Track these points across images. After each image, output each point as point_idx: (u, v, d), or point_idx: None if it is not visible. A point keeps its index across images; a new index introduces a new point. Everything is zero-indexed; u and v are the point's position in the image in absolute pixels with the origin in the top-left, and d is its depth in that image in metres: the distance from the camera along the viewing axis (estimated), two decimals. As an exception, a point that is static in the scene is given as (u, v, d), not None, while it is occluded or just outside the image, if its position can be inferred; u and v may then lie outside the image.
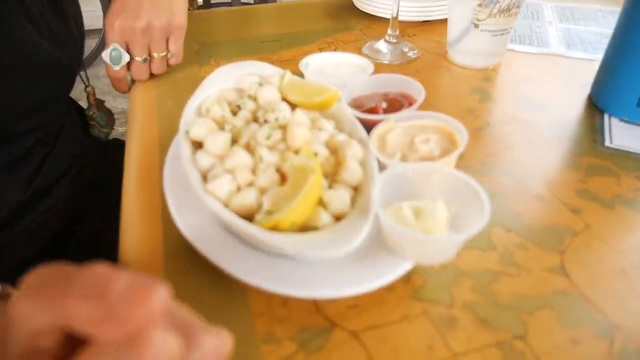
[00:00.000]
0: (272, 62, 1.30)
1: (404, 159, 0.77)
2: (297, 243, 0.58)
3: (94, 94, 1.30)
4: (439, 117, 0.83)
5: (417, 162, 0.76)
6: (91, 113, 1.27)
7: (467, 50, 1.25)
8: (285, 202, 0.64)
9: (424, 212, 0.65)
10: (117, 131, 3.23)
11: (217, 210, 0.65)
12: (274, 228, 0.62)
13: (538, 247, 0.76)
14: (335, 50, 1.41)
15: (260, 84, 0.92)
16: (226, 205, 0.68)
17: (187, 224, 0.69)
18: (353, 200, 0.69)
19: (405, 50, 1.35)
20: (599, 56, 1.23)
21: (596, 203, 0.84)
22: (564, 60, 1.34)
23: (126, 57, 1.01)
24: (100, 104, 1.31)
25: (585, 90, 1.20)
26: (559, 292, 0.67)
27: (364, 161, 0.76)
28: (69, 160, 0.93)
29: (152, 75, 1.15)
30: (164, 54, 1.08)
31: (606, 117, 1.08)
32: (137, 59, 0.96)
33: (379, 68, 1.30)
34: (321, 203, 0.67)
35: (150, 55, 0.97)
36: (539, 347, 0.59)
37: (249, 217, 0.70)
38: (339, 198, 0.67)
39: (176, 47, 0.96)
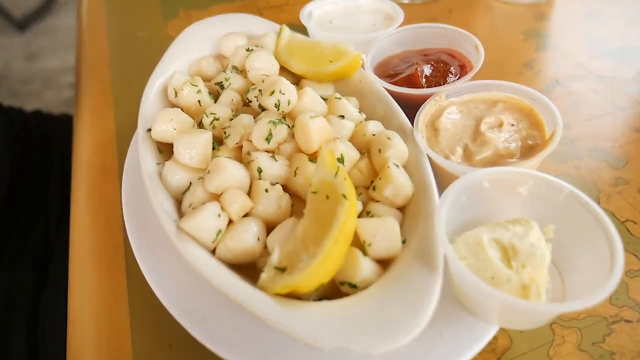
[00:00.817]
0: (259, 10, 1.05)
1: (467, 156, 0.56)
2: (334, 333, 0.38)
3: None
4: (511, 87, 0.61)
5: (488, 161, 0.55)
6: None
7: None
8: (306, 249, 0.44)
9: (516, 250, 0.45)
10: (57, 98, 2.88)
11: (202, 268, 0.44)
12: (291, 293, 0.43)
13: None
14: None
15: (249, 49, 0.69)
16: (214, 253, 0.48)
17: (163, 289, 0.49)
18: (401, 228, 0.49)
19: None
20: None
21: None
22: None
23: None
24: None
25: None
26: None
27: (411, 164, 0.55)
28: None
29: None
30: None
31: None
32: None
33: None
34: (356, 241, 0.47)
35: None
36: None
37: (248, 262, 0.51)
38: (384, 233, 0.46)
39: None
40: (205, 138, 0.54)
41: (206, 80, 0.69)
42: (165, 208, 0.50)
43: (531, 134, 0.57)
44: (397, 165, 0.52)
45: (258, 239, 0.49)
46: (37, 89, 2.88)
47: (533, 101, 0.59)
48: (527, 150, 0.56)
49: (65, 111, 1.30)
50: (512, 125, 0.58)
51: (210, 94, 0.66)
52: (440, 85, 0.66)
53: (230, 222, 0.50)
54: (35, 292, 0.84)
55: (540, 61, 0.91)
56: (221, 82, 0.66)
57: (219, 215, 0.49)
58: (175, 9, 1.06)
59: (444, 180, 0.57)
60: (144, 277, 0.50)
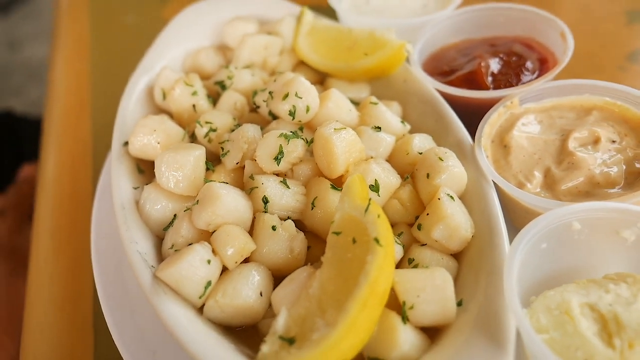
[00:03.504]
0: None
1: (549, 184, 0.51)
2: None
3: None
4: (611, 89, 0.55)
5: (579, 191, 0.50)
6: None
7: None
8: (323, 313, 0.39)
9: (621, 323, 0.40)
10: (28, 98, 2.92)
11: (183, 335, 0.40)
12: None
13: None
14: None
15: (259, 38, 0.66)
16: (202, 312, 0.45)
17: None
18: (456, 284, 0.45)
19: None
20: None
21: None
22: None
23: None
24: None
25: None
26: None
27: (471, 195, 0.50)
28: None
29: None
30: None
31: None
32: None
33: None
34: (393, 301, 0.42)
35: None
36: None
37: (247, 325, 0.47)
38: (432, 292, 0.41)
39: None
40: (195, 156, 0.51)
41: (205, 78, 0.67)
42: (139, 249, 0.48)
43: (638, 155, 0.51)
44: (452, 197, 0.48)
45: (260, 294, 0.45)
46: (19, 83, 2.97)
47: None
48: (635, 178, 0.50)
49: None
50: (613, 142, 0.53)
51: (208, 96, 0.63)
52: (513, 85, 0.61)
53: (224, 270, 0.47)
54: None
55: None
56: (222, 80, 0.63)
57: (209, 262, 0.45)
58: (175, -14, 1.05)
59: (516, 217, 0.52)
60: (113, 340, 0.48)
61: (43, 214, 0.69)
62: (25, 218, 0.91)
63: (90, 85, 0.86)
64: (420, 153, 0.53)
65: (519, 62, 0.64)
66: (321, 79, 0.67)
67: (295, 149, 0.51)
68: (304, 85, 0.55)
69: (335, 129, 0.50)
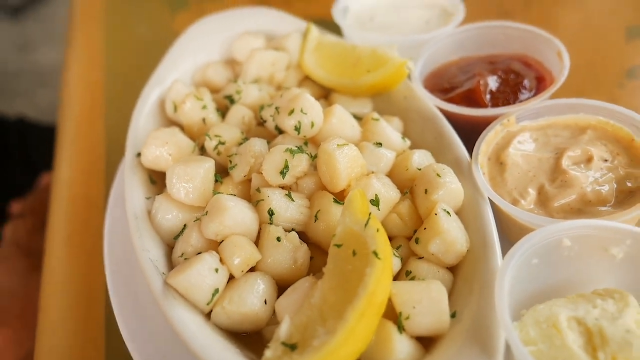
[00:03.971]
0: (287, 1, 1.05)
1: (542, 201, 0.53)
2: None
3: None
4: (605, 109, 0.57)
5: (571, 208, 0.52)
6: None
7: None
8: (324, 321, 0.42)
9: (605, 337, 0.42)
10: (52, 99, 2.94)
11: (191, 339, 0.43)
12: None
13: None
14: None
15: (266, 54, 0.68)
16: (209, 317, 0.47)
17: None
18: (450, 296, 0.47)
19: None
20: None
21: None
22: None
23: None
24: None
25: None
26: None
27: (467, 211, 0.52)
28: None
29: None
30: None
31: None
32: None
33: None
34: (390, 312, 0.44)
35: None
36: None
37: (251, 331, 0.49)
38: (428, 303, 0.43)
39: None
40: (205, 169, 0.54)
41: (214, 91, 0.69)
42: (150, 256, 0.50)
43: (631, 174, 0.53)
44: (448, 212, 0.50)
45: (265, 302, 0.48)
46: (28, 86, 3.01)
47: (636, 129, 0.56)
48: (625, 196, 0.52)
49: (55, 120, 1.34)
50: (605, 160, 0.55)
51: (217, 109, 0.65)
52: (510, 103, 0.63)
53: (231, 278, 0.49)
54: None
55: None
56: (231, 95, 0.66)
57: (217, 270, 0.48)
58: (185, -2, 1.07)
59: (510, 233, 0.54)
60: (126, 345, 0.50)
61: (57, 218, 0.71)
62: (43, 222, 0.94)
63: (104, 93, 0.88)
64: (419, 169, 0.55)
65: (517, 80, 0.66)
66: (326, 94, 0.69)
67: (300, 163, 0.53)
68: (309, 102, 0.57)
69: (338, 145, 0.52)
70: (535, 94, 0.64)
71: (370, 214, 0.46)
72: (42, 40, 3.48)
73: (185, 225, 0.53)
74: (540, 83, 0.66)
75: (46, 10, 3.66)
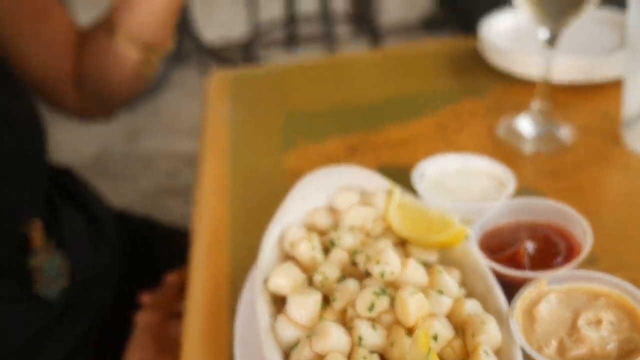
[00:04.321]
0: (374, 147, 1.30)
1: (561, 351, 0.71)
2: None
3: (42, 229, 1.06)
4: (612, 283, 0.76)
5: (582, 359, 0.70)
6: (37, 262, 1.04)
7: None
8: None
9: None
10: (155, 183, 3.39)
11: None
12: None
13: None
14: (458, 127, 1.38)
15: (360, 209, 0.92)
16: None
17: None
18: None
19: (557, 131, 1.27)
20: None
21: None
22: None
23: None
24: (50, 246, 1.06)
25: None
26: None
27: (503, 353, 0.71)
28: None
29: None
30: None
31: None
32: None
33: (515, 160, 1.23)
34: None
35: None
36: None
37: None
38: None
39: None
40: (315, 300, 0.76)
41: (318, 231, 0.93)
42: (274, 361, 0.71)
43: (630, 337, 0.71)
44: (488, 353, 0.69)
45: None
46: (133, 172, 3.43)
47: (637, 301, 0.73)
48: (625, 355, 0.69)
49: (149, 210, 1.63)
50: (612, 324, 0.72)
51: (322, 248, 0.89)
52: (544, 268, 0.82)
53: (329, 385, 0.70)
54: None
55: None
56: (333, 239, 0.89)
57: (322, 380, 0.68)
58: (294, 138, 1.34)
59: (535, 372, 0.71)
60: None
61: (192, 318, 0.93)
62: (171, 314, 1.19)
63: (229, 218, 1.13)
64: (470, 315, 0.75)
65: (552, 248, 0.84)
66: (403, 242, 0.90)
67: (383, 303, 0.74)
68: (391, 256, 0.79)
69: (410, 293, 0.73)
70: (564, 261, 0.83)
71: (430, 348, 0.66)
72: (148, 129, 3.91)
73: (299, 340, 0.75)
74: (571, 252, 0.83)
75: (155, 104, 4.13)
